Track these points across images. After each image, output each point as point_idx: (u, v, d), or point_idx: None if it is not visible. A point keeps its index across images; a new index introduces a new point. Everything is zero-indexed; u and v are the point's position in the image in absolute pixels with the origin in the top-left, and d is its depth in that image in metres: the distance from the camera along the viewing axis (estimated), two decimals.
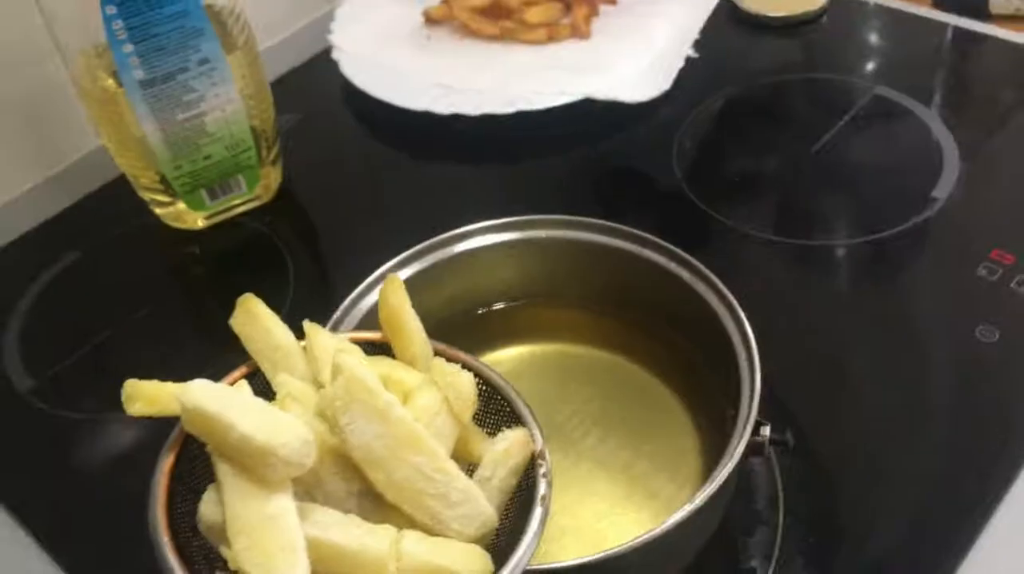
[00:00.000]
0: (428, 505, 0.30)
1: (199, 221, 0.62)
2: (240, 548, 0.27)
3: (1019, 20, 0.73)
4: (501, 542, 0.32)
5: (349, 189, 0.65)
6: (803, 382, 0.48)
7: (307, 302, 0.56)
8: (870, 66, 0.69)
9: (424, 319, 0.37)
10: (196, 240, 0.62)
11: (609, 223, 0.46)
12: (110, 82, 0.56)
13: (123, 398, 0.32)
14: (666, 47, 0.68)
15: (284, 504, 0.28)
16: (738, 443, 0.37)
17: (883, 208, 0.57)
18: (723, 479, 0.36)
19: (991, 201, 0.57)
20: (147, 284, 0.60)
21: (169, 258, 0.62)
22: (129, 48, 0.53)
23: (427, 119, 0.66)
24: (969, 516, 0.42)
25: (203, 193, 0.61)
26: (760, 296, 0.45)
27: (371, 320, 0.41)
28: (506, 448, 0.33)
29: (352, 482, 0.30)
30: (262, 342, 0.34)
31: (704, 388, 0.44)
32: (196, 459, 0.32)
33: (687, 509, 0.35)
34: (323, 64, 0.73)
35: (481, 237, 0.46)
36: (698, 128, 0.65)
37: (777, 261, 0.55)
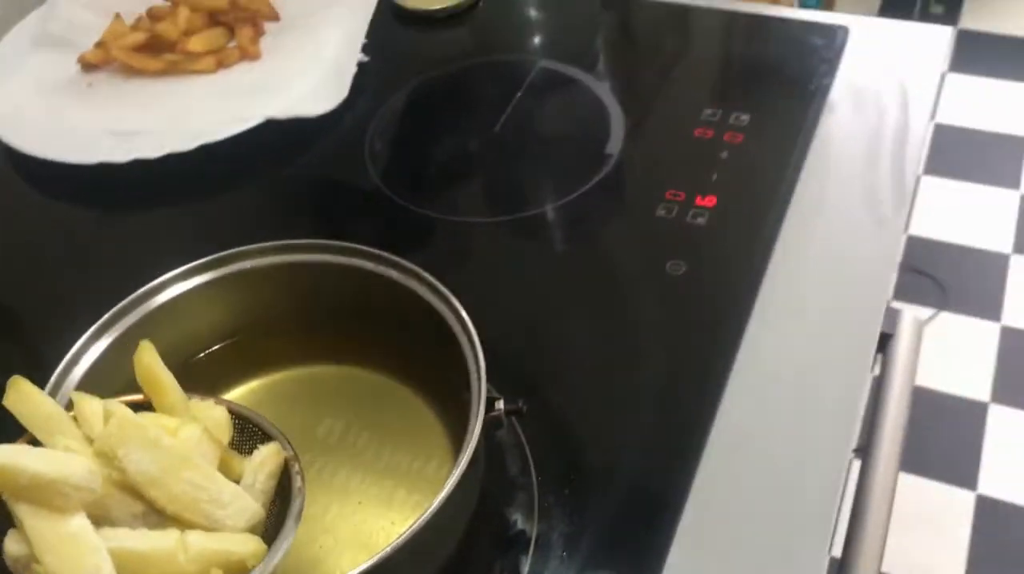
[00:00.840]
0: (204, 509, 0.36)
1: None
2: (50, 561, 0.32)
3: None
4: (269, 533, 0.37)
5: (35, 260, 0.61)
6: (528, 350, 0.51)
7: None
8: (533, 42, 0.73)
9: None
10: None
11: (313, 240, 0.46)
12: None
13: None
14: (337, 55, 0.69)
15: (82, 523, 0.33)
16: (476, 421, 0.39)
17: (566, 172, 0.61)
18: (469, 455, 0.38)
19: (656, 149, 0.63)
20: None
21: None
22: None
23: (107, 171, 0.63)
24: (692, 429, 0.47)
25: None
26: (473, 277, 0.47)
27: (87, 385, 0.40)
28: (262, 459, 0.38)
29: (135, 505, 0.35)
30: (35, 415, 0.37)
31: (441, 380, 0.46)
32: None
33: (443, 493, 0.37)
34: None
35: (180, 283, 0.45)
36: (384, 129, 0.66)
37: (481, 241, 0.58)
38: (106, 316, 0.43)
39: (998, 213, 1.79)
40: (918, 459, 1.47)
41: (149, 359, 0.38)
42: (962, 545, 1.34)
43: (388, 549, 0.36)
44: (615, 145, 0.62)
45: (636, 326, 0.52)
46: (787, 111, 0.63)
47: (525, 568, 0.43)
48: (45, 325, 0.56)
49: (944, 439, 1.46)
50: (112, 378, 0.41)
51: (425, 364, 0.47)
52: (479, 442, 0.39)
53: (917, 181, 0.60)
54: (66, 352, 0.42)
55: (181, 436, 0.36)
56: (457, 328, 0.43)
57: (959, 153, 1.92)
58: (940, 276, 1.75)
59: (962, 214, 1.80)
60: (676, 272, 0.54)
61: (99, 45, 0.71)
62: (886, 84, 0.64)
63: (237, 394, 0.46)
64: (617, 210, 0.59)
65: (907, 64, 0.65)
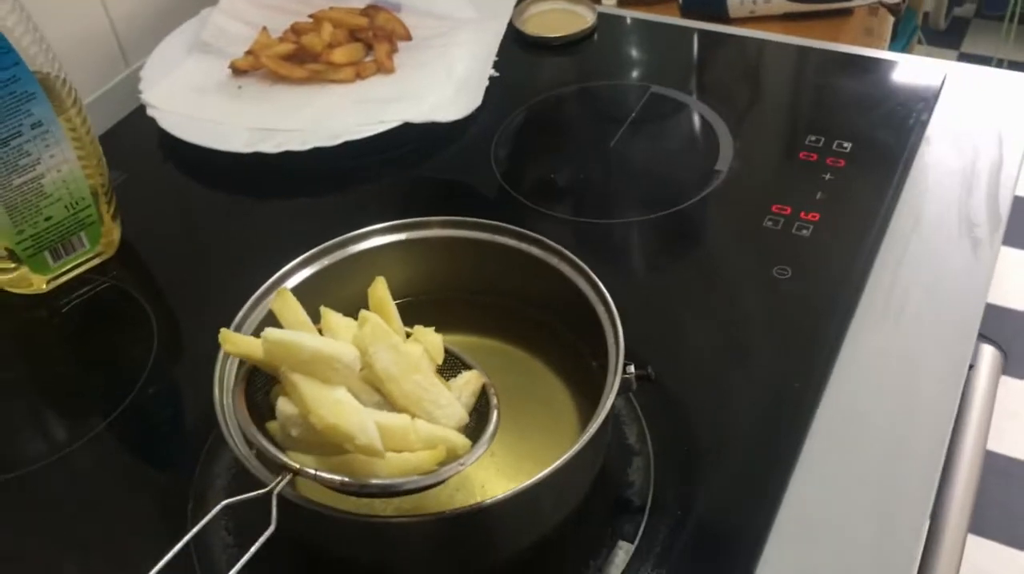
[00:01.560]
0: (425, 407, 0.42)
1: (43, 284, 0.62)
2: (324, 414, 0.39)
3: (755, 20, 0.85)
4: (468, 436, 0.43)
5: (190, 236, 0.67)
6: (647, 333, 0.55)
7: (172, 344, 0.58)
8: (642, 71, 0.79)
9: None
10: (43, 302, 0.62)
11: (479, 220, 0.51)
12: None
13: (220, 340, 0.42)
14: (468, 71, 0.75)
15: (345, 393, 0.40)
16: (613, 380, 0.44)
17: (679, 185, 0.66)
18: (607, 409, 0.42)
19: (762, 166, 0.67)
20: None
21: (17, 324, 0.62)
22: None
23: (256, 161, 0.69)
24: (796, 416, 0.51)
25: (47, 255, 0.61)
26: (599, 267, 0.52)
27: (269, 322, 0.45)
28: (466, 380, 0.45)
29: (375, 396, 0.42)
30: (294, 320, 0.44)
31: (568, 350, 0.51)
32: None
33: (583, 439, 0.41)
34: (138, 122, 0.74)
35: (375, 238, 0.51)
36: (508, 139, 0.72)
37: (599, 238, 0.63)
38: (310, 252, 0.49)
39: None
40: (979, 521, 1.47)
41: (382, 291, 0.45)
42: None
43: (532, 481, 0.40)
44: (724, 163, 0.67)
45: (746, 321, 0.57)
46: (887, 142, 0.67)
47: (641, 527, 0.47)
48: (196, 298, 0.61)
49: (1010, 502, 1.46)
50: (308, 304, 0.45)
51: (553, 336, 0.51)
52: (615, 396, 0.43)
53: (1009, 208, 0.64)
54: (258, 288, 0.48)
55: (408, 349, 0.43)
56: (595, 300, 0.47)
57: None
58: (1003, 342, 1.76)
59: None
60: (782, 276, 0.59)
61: (249, 53, 0.78)
62: (981, 123, 0.69)
63: None
64: (727, 220, 0.64)
65: (999, 107, 0.70)
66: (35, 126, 0.57)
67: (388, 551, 0.43)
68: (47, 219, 0.60)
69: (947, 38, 2.43)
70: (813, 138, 0.68)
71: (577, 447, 0.41)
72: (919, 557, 0.47)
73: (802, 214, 0.62)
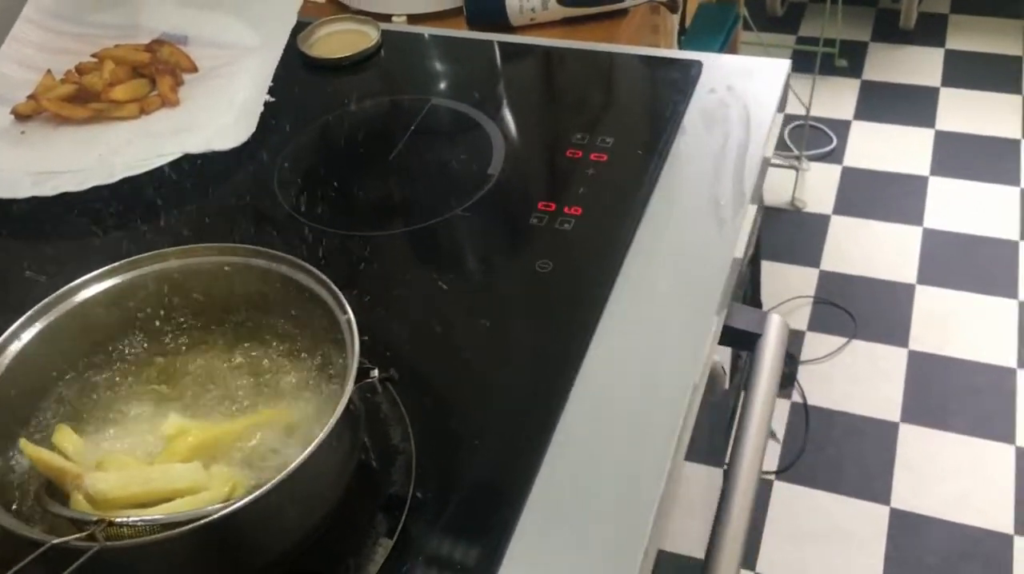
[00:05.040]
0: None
1: None
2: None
3: (536, 26, 0.89)
4: None
5: None
6: (413, 336, 0.58)
7: None
8: (424, 85, 0.81)
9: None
10: None
11: (212, 244, 0.53)
12: None
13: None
14: (246, 98, 0.76)
15: None
16: (349, 380, 0.46)
17: (455, 190, 0.69)
18: (341, 409, 0.44)
19: (530, 167, 0.71)
20: None
21: None
22: None
23: (35, 206, 0.69)
24: (550, 400, 0.54)
25: None
26: (370, 280, 0.54)
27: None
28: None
29: None
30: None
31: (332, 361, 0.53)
32: None
33: (317, 440, 0.43)
34: None
35: (96, 284, 0.51)
36: (292, 160, 0.73)
37: (376, 250, 0.65)
38: (31, 311, 0.50)
39: (903, 247, 1.91)
40: (836, 478, 1.55)
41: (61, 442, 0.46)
42: (878, 555, 1.42)
43: (265, 487, 0.42)
44: (496, 166, 0.70)
45: (507, 313, 0.60)
46: (645, 134, 0.71)
47: (400, 523, 0.49)
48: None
49: (864, 457, 1.55)
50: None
51: (315, 347, 0.53)
52: (351, 398, 0.45)
53: (761, 173, 0.69)
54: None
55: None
56: (335, 308, 0.49)
57: (865, 193, 2.04)
58: (851, 307, 1.86)
59: (870, 249, 1.93)
60: (543, 270, 0.62)
61: (31, 97, 0.78)
62: (731, 109, 0.73)
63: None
64: (496, 221, 0.66)
65: (750, 92, 0.75)
66: None
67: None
68: None
69: (785, 23, 2.55)
70: (579, 136, 0.72)
71: (304, 455, 0.43)
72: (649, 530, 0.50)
73: (565, 209, 0.66)
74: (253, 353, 0.52)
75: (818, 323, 1.89)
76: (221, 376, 0.50)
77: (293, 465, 0.42)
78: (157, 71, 0.79)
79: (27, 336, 0.49)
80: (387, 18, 0.90)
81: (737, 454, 0.66)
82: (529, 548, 0.48)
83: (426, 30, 0.88)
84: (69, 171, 0.72)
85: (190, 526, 0.41)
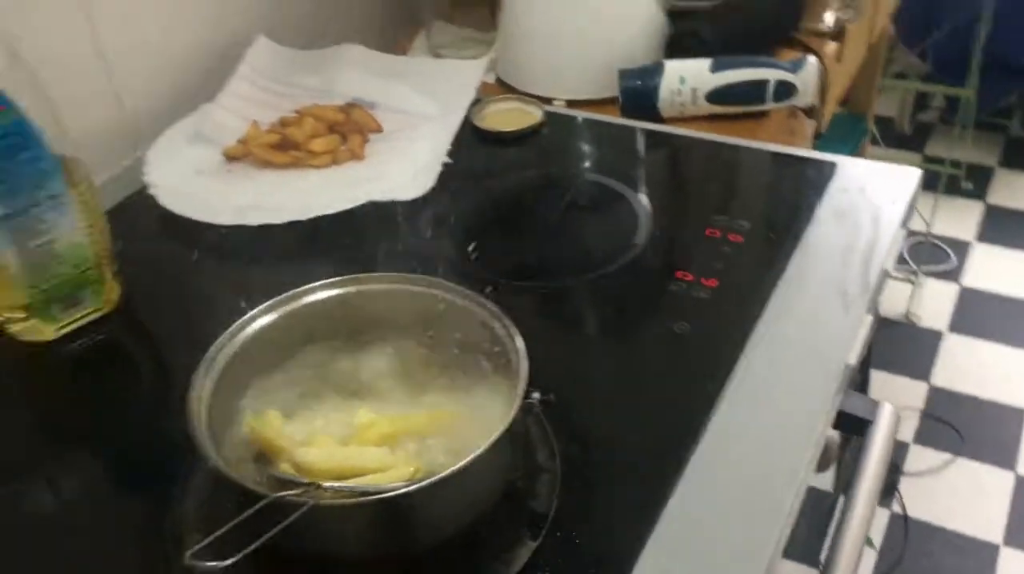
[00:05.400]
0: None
1: (51, 333, 0.72)
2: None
3: (685, 120, 0.98)
4: None
5: (178, 295, 0.78)
6: (564, 372, 0.65)
7: (165, 381, 0.68)
8: (581, 161, 0.91)
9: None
10: (49, 349, 0.72)
11: (418, 275, 0.62)
12: None
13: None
14: (427, 158, 0.87)
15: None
16: (517, 397, 0.53)
17: (604, 254, 0.77)
18: (507, 424, 0.52)
19: (673, 242, 0.78)
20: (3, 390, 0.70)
21: (24, 365, 0.72)
22: None
23: (239, 233, 0.80)
24: (680, 444, 0.60)
25: (55, 308, 0.72)
26: (529, 319, 0.62)
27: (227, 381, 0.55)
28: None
29: None
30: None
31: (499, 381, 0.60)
32: None
33: (481, 449, 0.50)
34: (141, 200, 0.86)
35: (321, 292, 0.61)
36: (461, 216, 0.83)
37: (532, 300, 0.73)
38: (263, 305, 0.59)
39: (1016, 370, 1.90)
40: None
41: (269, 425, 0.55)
42: None
43: (441, 474, 0.49)
44: (642, 237, 0.78)
45: (644, 365, 0.67)
46: (779, 222, 0.78)
47: (543, 531, 0.56)
48: (178, 345, 0.71)
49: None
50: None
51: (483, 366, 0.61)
52: (516, 415, 0.53)
53: (882, 277, 0.75)
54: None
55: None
56: (509, 342, 0.57)
57: (982, 314, 2.04)
58: (959, 425, 1.85)
59: (982, 369, 1.92)
60: (680, 331, 0.69)
61: (241, 142, 0.90)
62: (863, 208, 0.80)
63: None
64: (639, 283, 0.74)
65: (881, 194, 0.81)
66: (50, 198, 0.68)
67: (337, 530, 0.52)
68: (56, 277, 0.71)
69: (912, 142, 2.59)
70: (717, 217, 0.79)
71: (478, 451, 0.50)
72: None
73: (702, 280, 0.73)
74: (431, 365, 0.60)
75: (924, 437, 1.88)
76: (403, 380, 0.59)
77: (466, 460, 0.50)
78: (349, 129, 0.91)
79: (256, 326, 0.59)
80: (549, 101, 1.00)
81: (836, 552, 0.70)
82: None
83: (583, 114, 0.97)
84: (270, 207, 0.83)
85: (379, 496, 0.49)
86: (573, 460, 0.60)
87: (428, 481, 0.49)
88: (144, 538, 0.57)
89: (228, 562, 0.45)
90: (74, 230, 0.70)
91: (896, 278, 2.25)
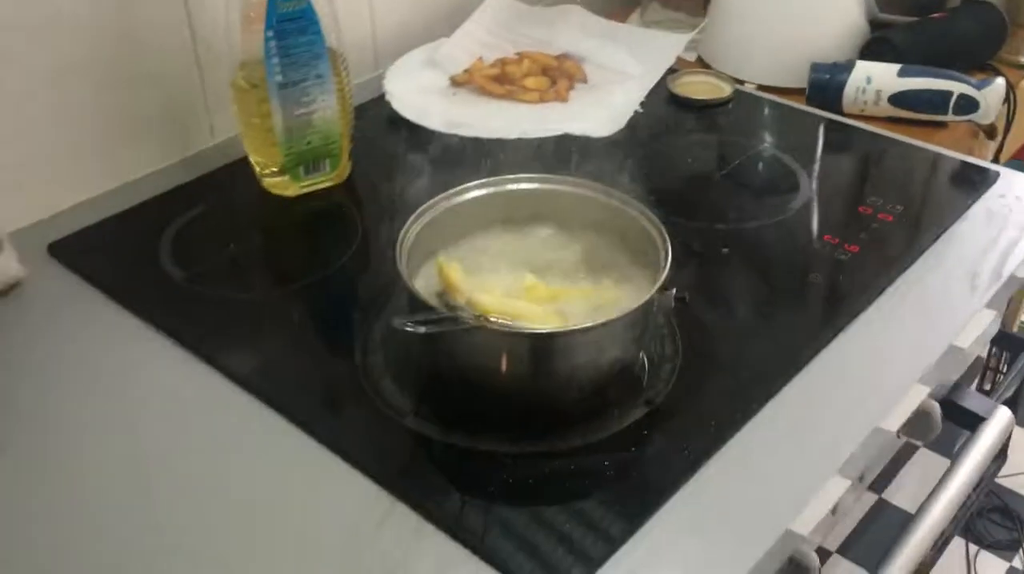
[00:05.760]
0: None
1: (293, 190, 0.89)
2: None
3: (865, 117, 1.05)
4: None
5: (393, 178, 0.92)
6: (701, 288, 0.75)
7: (372, 241, 0.83)
8: (760, 135, 1.00)
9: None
10: (292, 202, 0.89)
11: (598, 183, 0.74)
12: (254, 87, 0.84)
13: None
14: (622, 105, 0.99)
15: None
16: (657, 283, 0.64)
17: (766, 209, 0.87)
18: (643, 302, 0.63)
19: (826, 209, 0.87)
20: (253, 225, 0.87)
21: (270, 210, 0.89)
22: (276, 60, 0.82)
23: (452, 139, 0.95)
24: (787, 368, 0.70)
25: (301, 169, 0.88)
26: (688, 248, 0.72)
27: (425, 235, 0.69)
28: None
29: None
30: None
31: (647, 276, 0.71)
32: None
33: (616, 315, 0.62)
34: (378, 105, 1.02)
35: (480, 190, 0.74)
36: (643, 158, 0.94)
37: (694, 236, 0.83)
38: (447, 192, 0.72)
39: None
40: None
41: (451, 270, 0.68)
42: None
43: (584, 325, 0.61)
44: (799, 202, 0.87)
45: (777, 300, 0.76)
46: (932, 212, 0.86)
47: (657, 401, 0.66)
48: (391, 213, 0.85)
49: None
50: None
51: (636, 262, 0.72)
52: (652, 297, 0.64)
53: (1011, 281, 0.81)
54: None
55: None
56: (657, 237, 0.68)
57: None
58: None
59: None
60: (815, 282, 0.78)
61: (466, 71, 1.05)
62: (1015, 214, 0.86)
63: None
64: (792, 238, 0.83)
65: None
66: (318, 77, 0.84)
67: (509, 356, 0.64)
68: (308, 144, 0.87)
69: None
70: (874, 198, 0.87)
71: (614, 316, 0.62)
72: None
73: (846, 246, 0.81)
74: (594, 253, 0.72)
75: None
76: (568, 263, 0.71)
77: (603, 319, 0.61)
78: (559, 75, 1.04)
79: (459, 199, 0.72)
80: (741, 82, 1.10)
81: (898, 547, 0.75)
82: (731, 463, 0.64)
83: (772, 96, 1.06)
84: (480, 126, 0.97)
85: (530, 332, 0.62)
86: (693, 358, 0.70)
87: (568, 328, 0.61)
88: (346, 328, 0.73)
89: (422, 330, 0.60)
90: (329, 109, 0.86)
91: None
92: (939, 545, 1.62)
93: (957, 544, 1.75)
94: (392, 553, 0.58)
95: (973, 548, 1.76)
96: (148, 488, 0.62)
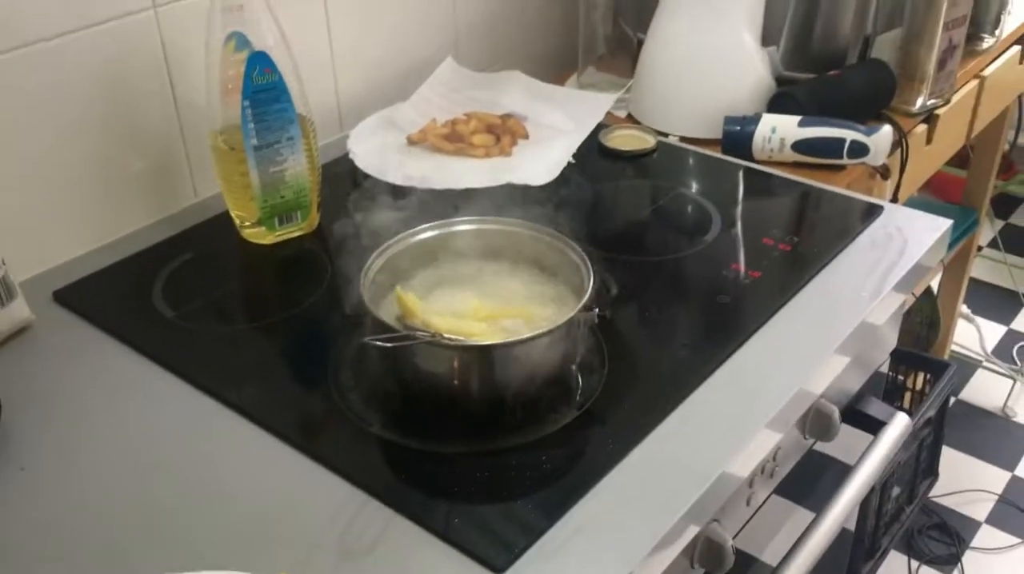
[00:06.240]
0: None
1: (269, 239, 1.01)
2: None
3: (772, 162, 1.19)
4: None
5: (359, 223, 1.04)
6: (620, 313, 0.88)
7: (339, 281, 0.95)
8: (679, 180, 1.13)
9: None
10: (268, 250, 1.01)
11: (532, 223, 0.86)
12: (232, 149, 0.96)
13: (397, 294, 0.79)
14: (557, 157, 1.12)
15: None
16: (580, 304, 0.77)
17: (684, 242, 1.00)
18: (570, 316, 0.75)
19: (734, 244, 1.00)
20: (235, 269, 0.99)
21: (249, 257, 1.01)
22: (252, 126, 0.94)
23: (409, 191, 1.07)
24: (705, 366, 0.82)
25: (276, 220, 1.00)
26: (611, 276, 0.85)
27: (385, 270, 0.81)
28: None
29: None
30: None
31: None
32: None
33: (547, 327, 0.74)
34: (342, 163, 1.14)
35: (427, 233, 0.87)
36: (576, 203, 1.07)
37: (613, 264, 0.96)
38: (396, 238, 0.85)
39: None
40: None
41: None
42: None
43: (516, 338, 0.73)
44: (711, 237, 1.01)
45: (690, 317, 0.89)
46: (824, 242, 0.99)
47: (585, 407, 0.78)
48: (355, 256, 0.98)
49: None
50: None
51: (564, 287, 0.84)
52: (578, 312, 0.76)
53: (896, 289, 0.93)
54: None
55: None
56: (581, 265, 0.81)
57: None
58: None
59: None
60: (722, 301, 0.91)
61: (421, 131, 1.18)
62: (895, 242, 0.99)
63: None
64: (701, 267, 0.96)
65: (914, 234, 1.01)
66: (289, 139, 0.97)
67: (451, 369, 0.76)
68: (281, 197, 0.99)
69: None
70: (775, 231, 1.01)
71: (546, 328, 0.74)
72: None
73: (750, 271, 0.95)
74: (532, 281, 0.85)
75: (997, 519, 1.97)
76: (507, 287, 0.83)
77: (536, 331, 0.74)
78: (503, 132, 1.17)
79: (413, 239, 0.85)
80: (665, 135, 1.24)
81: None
82: (649, 453, 0.76)
83: (691, 147, 1.21)
84: (434, 178, 1.10)
85: (475, 344, 0.74)
86: (619, 369, 0.82)
87: (508, 340, 0.73)
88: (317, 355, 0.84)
89: (389, 346, 0.72)
90: (300, 166, 0.99)
91: (999, 372, 2.35)
92: (877, 557, 1.76)
93: (900, 561, 1.87)
94: (367, 537, 0.68)
95: (915, 563, 1.87)
96: (148, 494, 0.73)
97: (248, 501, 0.72)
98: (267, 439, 0.77)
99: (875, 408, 1.05)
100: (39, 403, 0.81)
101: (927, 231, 1.01)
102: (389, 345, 0.73)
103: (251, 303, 0.96)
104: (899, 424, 1.03)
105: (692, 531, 0.73)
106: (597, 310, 0.79)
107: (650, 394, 0.80)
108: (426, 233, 0.86)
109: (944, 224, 1.02)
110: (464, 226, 0.87)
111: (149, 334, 0.88)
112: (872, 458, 0.97)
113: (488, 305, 0.81)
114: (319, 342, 0.88)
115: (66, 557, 0.68)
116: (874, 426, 1.02)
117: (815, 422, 0.92)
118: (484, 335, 0.77)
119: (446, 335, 0.74)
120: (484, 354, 0.74)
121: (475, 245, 0.87)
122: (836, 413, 0.93)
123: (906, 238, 1.00)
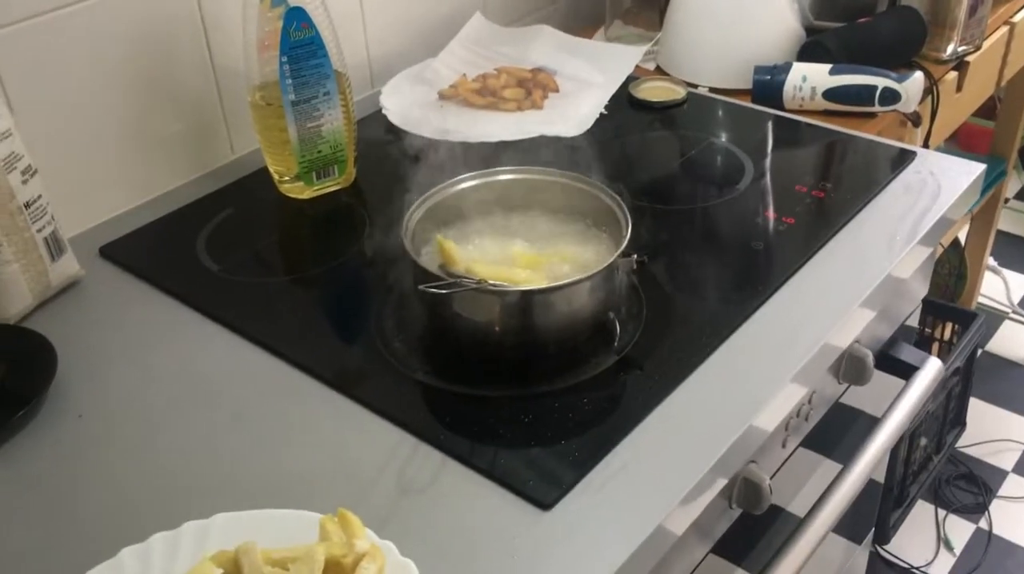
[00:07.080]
0: None
1: (307, 193, 1.02)
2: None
3: (804, 111, 1.19)
4: None
5: (392, 178, 1.05)
6: (658, 256, 0.89)
7: (377, 233, 0.97)
8: (710, 130, 1.14)
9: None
10: (305, 204, 1.02)
11: (569, 171, 0.88)
12: (270, 105, 0.97)
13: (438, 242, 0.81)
14: (588, 109, 1.13)
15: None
16: (619, 249, 0.78)
17: (716, 191, 1.01)
18: (610, 261, 0.76)
19: (767, 191, 1.01)
20: (275, 223, 1.00)
21: (288, 211, 1.02)
22: (290, 81, 0.95)
23: (442, 144, 1.08)
24: (741, 310, 0.83)
25: (313, 175, 1.01)
26: (646, 224, 0.86)
27: (425, 219, 0.83)
28: None
29: None
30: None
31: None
32: None
33: (588, 272, 0.75)
34: (374, 118, 1.15)
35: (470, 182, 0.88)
36: (610, 152, 1.08)
37: (650, 213, 0.97)
38: (443, 184, 0.86)
39: None
40: None
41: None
42: None
43: (562, 282, 0.74)
44: (744, 185, 1.01)
45: (724, 263, 0.90)
46: (858, 188, 1.00)
47: (624, 351, 0.80)
48: (394, 208, 0.99)
49: None
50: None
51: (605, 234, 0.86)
52: (617, 258, 0.77)
53: (928, 235, 0.94)
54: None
55: None
56: (621, 217, 0.82)
57: None
58: None
59: None
60: (756, 247, 0.92)
61: (452, 87, 1.19)
62: (928, 186, 1.00)
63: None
64: (734, 214, 0.97)
65: (946, 179, 1.01)
66: (326, 94, 0.98)
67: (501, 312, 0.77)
68: (319, 152, 1.00)
69: None
70: (808, 178, 1.01)
71: (587, 274, 0.75)
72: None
73: (783, 218, 0.95)
74: (570, 225, 0.86)
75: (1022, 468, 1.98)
76: (548, 234, 0.85)
77: (578, 277, 0.75)
78: (533, 86, 1.18)
79: (455, 188, 0.87)
80: (695, 86, 1.24)
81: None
82: (689, 395, 0.78)
83: (721, 97, 1.21)
84: (466, 132, 1.11)
85: (521, 290, 0.75)
86: (656, 316, 0.84)
87: (550, 285, 0.75)
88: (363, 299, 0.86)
89: (443, 292, 0.73)
90: (336, 122, 1.00)
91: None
92: (905, 505, 1.77)
93: (928, 509, 1.89)
94: (421, 478, 0.70)
95: (942, 512, 1.89)
96: (202, 439, 0.75)
97: (301, 445, 0.74)
98: (316, 386, 0.79)
99: (907, 353, 1.06)
100: (93, 354, 0.83)
101: (961, 175, 1.02)
102: (442, 291, 0.74)
103: (292, 256, 0.98)
104: (931, 369, 1.04)
105: (731, 470, 0.75)
106: (635, 256, 0.80)
107: (687, 340, 0.82)
108: (465, 183, 0.87)
109: (977, 168, 1.02)
110: (502, 175, 0.88)
111: (196, 287, 0.90)
112: (904, 403, 0.98)
113: (529, 251, 0.83)
114: (360, 293, 0.90)
115: (127, 503, 0.70)
116: (907, 371, 1.03)
117: (849, 366, 0.93)
118: (528, 281, 0.78)
119: (491, 282, 0.76)
120: (527, 299, 0.76)
121: (513, 194, 0.88)
122: (870, 357, 0.94)
123: (940, 183, 1.01)
